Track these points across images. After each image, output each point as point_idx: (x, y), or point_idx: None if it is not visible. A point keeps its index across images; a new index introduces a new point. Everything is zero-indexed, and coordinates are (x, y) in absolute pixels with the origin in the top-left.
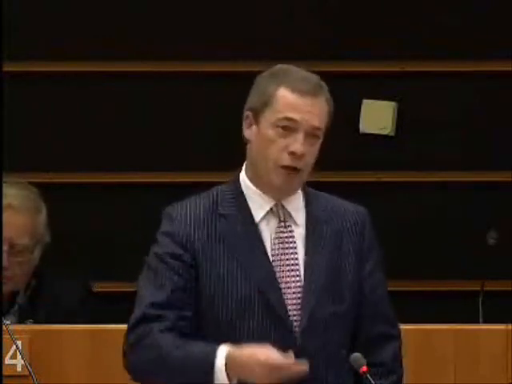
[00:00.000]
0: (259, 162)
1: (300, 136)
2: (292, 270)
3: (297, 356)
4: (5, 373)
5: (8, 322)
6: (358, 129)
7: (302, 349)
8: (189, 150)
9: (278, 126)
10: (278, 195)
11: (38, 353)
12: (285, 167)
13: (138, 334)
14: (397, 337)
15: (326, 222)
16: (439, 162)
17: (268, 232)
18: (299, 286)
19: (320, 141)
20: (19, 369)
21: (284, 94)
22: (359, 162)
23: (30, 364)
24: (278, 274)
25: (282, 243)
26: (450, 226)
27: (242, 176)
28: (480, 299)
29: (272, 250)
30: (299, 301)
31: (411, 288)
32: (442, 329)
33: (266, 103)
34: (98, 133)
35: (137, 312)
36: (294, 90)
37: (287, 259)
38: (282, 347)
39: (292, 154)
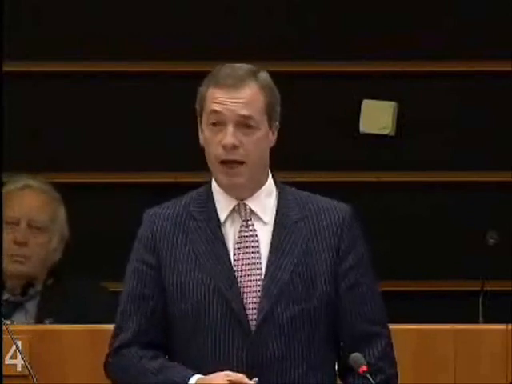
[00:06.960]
0: (209, 164)
1: (229, 128)
2: (253, 269)
3: (255, 354)
4: (5, 373)
5: (8, 322)
6: (358, 129)
7: (260, 348)
8: (191, 149)
9: (210, 124)
10: (237, 194)
11: (38, 353)
12: (223, 162)
13: (115, 354)
14: (383, 336)
15: (299, 220)
16: (439, 162)
17: (232, 232)
18: (259, 285)
19: (260, 130)
20: (19, 369)
21: (211, 92)
22: (359, 162)
23: (30, 364)
24: (238, 274)
25: (243, 242)
26: (449, 226)
27: (213, 178)
28: (480, 299)
29: (234, 249)
30: (259, 300)
31: (411, 288)
32: (442, 329)
33: (202, 107)
34: (99, 133)
35: (116, 320)
36: (217, 85)
37: (248, 258)
38: (240, 346)
39: (224, 147)
